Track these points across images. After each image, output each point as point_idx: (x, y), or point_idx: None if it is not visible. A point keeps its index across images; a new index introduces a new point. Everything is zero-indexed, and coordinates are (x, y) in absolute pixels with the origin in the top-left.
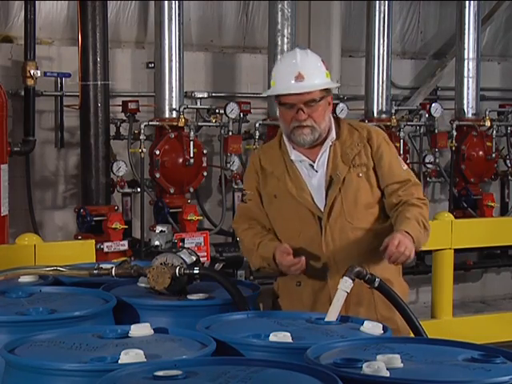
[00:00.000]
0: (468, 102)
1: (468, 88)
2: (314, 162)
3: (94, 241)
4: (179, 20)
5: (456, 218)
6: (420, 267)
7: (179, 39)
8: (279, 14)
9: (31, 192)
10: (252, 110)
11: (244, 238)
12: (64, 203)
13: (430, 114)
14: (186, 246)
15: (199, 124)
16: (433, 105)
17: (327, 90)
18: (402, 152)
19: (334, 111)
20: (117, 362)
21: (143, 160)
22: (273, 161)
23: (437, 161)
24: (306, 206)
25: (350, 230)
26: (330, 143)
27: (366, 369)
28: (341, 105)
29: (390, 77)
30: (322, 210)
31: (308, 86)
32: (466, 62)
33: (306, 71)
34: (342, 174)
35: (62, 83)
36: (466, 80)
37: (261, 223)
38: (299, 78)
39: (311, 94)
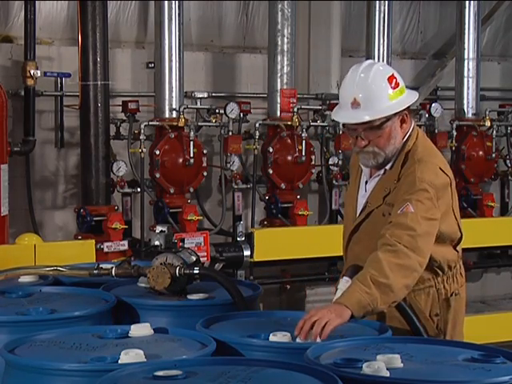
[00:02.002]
0: (468, 102)
1: (468, 88)
2: (369, 180)
3: (93, 241)
4: (179, 20)
5: None
6: None
7: (179, 39)
8: (279, 13)
9: (31, 192)
10: (252, 110)
11: None
12: (64, 203)
13: (430, 114)
14: (186, 245)
15: (199, 124)
16: (433, 105)
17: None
18: None
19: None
20: (117, 361)
21: (143, 160)
22: (357, 163)
23: None
24: (349, 216)
25: (364, 261)
26: (383, 171)
27: (366, 369)
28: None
29: None
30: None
31: (360, 116)
32: (465, 62)
33: (363, 96)
34: (372, 206)
35: (61, 83)
36: (465, 80)
37: None
38: (355, 104)
39: (372, 120)
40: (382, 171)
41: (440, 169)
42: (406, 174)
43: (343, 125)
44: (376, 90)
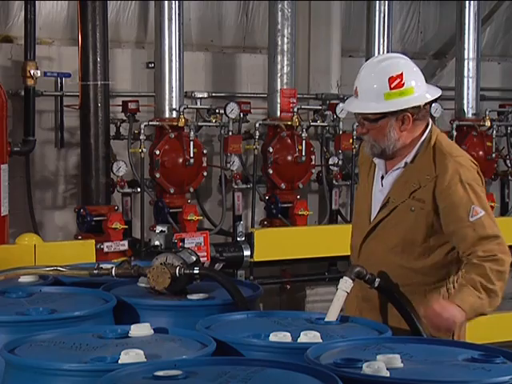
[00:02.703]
0: (468, 102)
1: (468, 88)
2: (386, 175)
3: (93, 241)
4: (179, 20)
5: None
6: None
7: (179, 39)
8: (279, 13)
9: (31, 192)
10: (252, 110)
11: None
12: (64, 203)
13: (430, 114)
14: (186, 245)
15: (199, 124)
16: (433, 105)
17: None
18: None
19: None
20: (117, 361)
21: (143, 160)
22: (368, 158)
23: None
24: (362, 214)
25: (383, 258)
26: (403, 165)
27: (366, 369)
28: (341, 105)
29: None
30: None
31: (353, 106)
32: (465, 61)
33: (361, 88)
34: (396, 201)
35: (61, 83)
36: (465, 80)
37: None
38: (355, 93)
39: (365, 113)
40: (401, 164)
41: (471, 161)
42: (442, 172)
43: None
44: (372, 86)
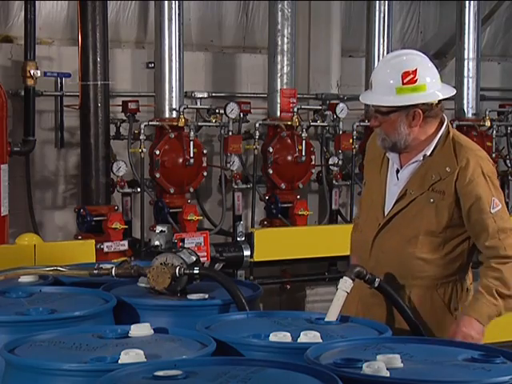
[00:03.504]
0: (468, 102)
1: (468, 88)
2: (401, 169)
3: (93, 241)
4: (179, 20)
5: None
6: None
7: (179, 39)
8: (279, 13)
9: (31, 192)
10: (252, 110)
11: None
12: (64, 203)
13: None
14: (186, 245)
15: (199, 124)
16: None
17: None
18: None
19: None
20: (117, 361)
21: (143, 160)
22: (376, 148)
23: None
24: (375, 207)
25: (399, 251)
26: (422, 158)
27: (366, 369)
28: (341, 105)
29: None
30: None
31: (366, 98)
32: (466, 61)
33: (375, 81)
34: (415, 193)
35: (61, 83)
36: (465, 80)
37: None
38: (370, 86)
39: (377, 105)
40: (419, 158)
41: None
42: (465, 164)
43: None
44: (386, 80)
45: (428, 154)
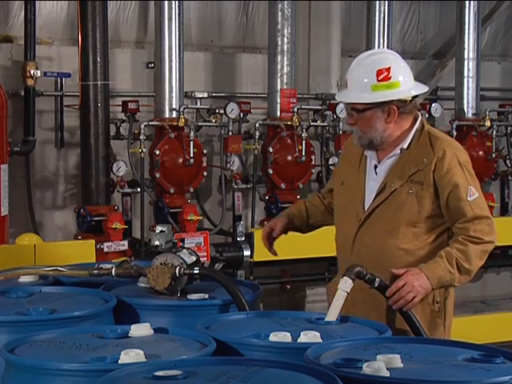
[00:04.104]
0: (468, 102)
1: (468, 88)
2: (379, 164)
3: (93, 241)
4: (179, 20)
5: None
6: None
7: (179, 39)
8: (279, 14)
9: (31, 192)
10: (252, 110)
11: None
12: (64, 203)
13: (430, 114)
14: (186, 245)
15: (199, 124)
16: (433, 105)
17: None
18: None
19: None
20: (117, 361)
21: (143, 160)
22: (354, 149)
23: None
24: (354, 204)
25: (381, 242)
26: (399, 151)
27: (366, 369)
28: (341, 105)
29: None
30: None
31: (341, 96)
32: (466, 61)
33: (350, 79)
34: (394, 185)
35: (62, 83)
36: (465, 80)
37: (327, 200)
38: (345, 84)
39: (353, 103)
40: (397, 151)
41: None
42: (442, 154)
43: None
44: (361, 78)
45: (405, 147)
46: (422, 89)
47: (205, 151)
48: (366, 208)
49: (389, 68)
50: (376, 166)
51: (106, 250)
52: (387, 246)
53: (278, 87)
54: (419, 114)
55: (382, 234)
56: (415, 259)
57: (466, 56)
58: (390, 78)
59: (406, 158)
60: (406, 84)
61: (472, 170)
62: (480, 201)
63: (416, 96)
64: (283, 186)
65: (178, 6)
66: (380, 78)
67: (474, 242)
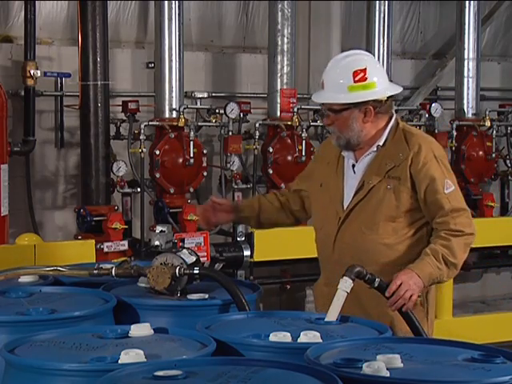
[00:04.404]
0: (468, 102)
1: (468, 88)
2: (357, 163)
3: (93, 241)
4: (179, 20)
5: None
6: None
7: (179, 39)
8: (279, 13)
9: (31, 192)
10: (252, 110)
11: None
12: (64, 203)
13: (430, 114)
14: (186, 246)
15: (199, 124)
16: (433, 105)
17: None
18: None
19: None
20: (117, 362)
21: (143, 160)
22: (332, 151)
23: None
24: (333, 203)
25: (362, 238)
26: (375, 149)
27: (366, 369)
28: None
29: (389, 77)
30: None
31: (318, 97)
32: (466, 61)
33: (327, 80)
34: (372, 182)
35: (62, 83)
36: (465, 80)
37: (284, 198)
38: (321, 85)
39: (330, 103)
40: (373, 149)
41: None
42: (417, 149)
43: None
44: (337, 79)
45: (381, 144)
46: (397, 89)
47: (205, 151)
48: (345, 207)
49: (365, 69)
50: (354, 165)
51: (106, 250)
52: (368, 242)
53: (278, 87)
54: (393, 113)
55: (362, 231)
56: (395, 254)
57: (465, 56)
58: (366, 79)
59: (382, 155)
60: (381, 84)
61: (448, 163)
62: (457, 193)
63: (391, 96)
64: (283, 185)
65: (178, 6)
66: (356, 79)
67: (456, 236)
